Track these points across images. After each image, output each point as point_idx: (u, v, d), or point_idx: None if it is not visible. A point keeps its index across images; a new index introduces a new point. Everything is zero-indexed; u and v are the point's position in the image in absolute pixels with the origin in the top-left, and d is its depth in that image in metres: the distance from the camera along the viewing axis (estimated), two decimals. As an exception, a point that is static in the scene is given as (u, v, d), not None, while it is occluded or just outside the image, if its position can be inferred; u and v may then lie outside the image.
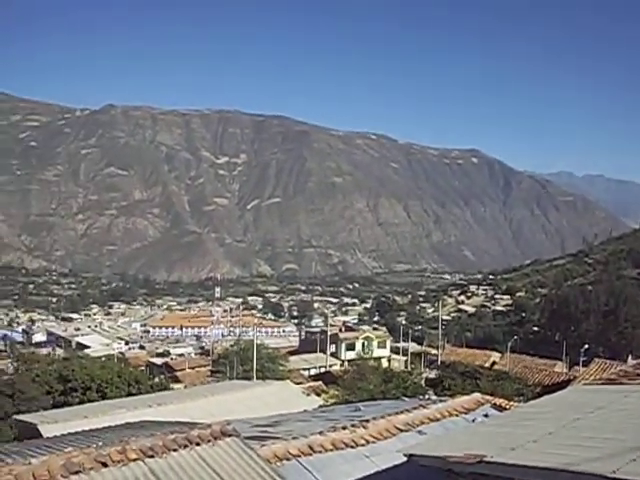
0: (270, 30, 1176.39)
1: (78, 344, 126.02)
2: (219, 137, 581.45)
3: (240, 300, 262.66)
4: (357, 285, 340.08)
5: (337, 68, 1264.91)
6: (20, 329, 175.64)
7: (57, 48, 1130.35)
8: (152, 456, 8.72)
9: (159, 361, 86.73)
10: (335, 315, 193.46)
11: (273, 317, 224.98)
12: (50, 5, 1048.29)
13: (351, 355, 73.71)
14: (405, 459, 7.43)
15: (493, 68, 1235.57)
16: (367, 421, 11.84)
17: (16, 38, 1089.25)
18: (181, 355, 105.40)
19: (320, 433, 11.08)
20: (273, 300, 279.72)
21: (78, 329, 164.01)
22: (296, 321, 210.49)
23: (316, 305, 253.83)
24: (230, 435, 9.59)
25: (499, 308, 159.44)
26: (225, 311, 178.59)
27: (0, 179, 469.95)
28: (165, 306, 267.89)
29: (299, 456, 10.34)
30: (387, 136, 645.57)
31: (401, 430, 11.71)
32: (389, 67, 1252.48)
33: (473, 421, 12.12)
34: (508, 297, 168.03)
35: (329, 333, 75.90)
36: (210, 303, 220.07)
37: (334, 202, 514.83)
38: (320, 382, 42.13)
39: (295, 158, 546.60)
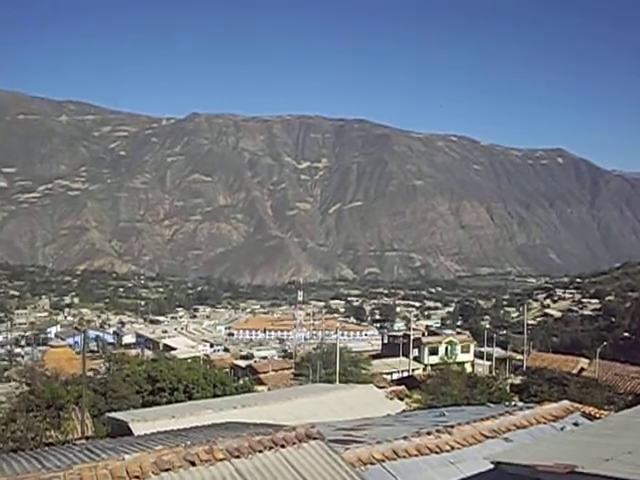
0: (349, 36, 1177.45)
1: (165, 346, 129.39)
2: (300, 142, 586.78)
3: (322, 304, 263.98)
4: (440, 289, 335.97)
5: (416, 71, 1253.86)
6: (111, 331, 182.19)
7: (143, 61, 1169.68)
8: (238, 456, 8.89)
9: (243, 363, 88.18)
10: (417, 319, 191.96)
11: (355, 321, 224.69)
12: (135, 22, 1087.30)
13: (434, 359, 72.60)
14: (491, 466, 7.30)
15: (577, 65, 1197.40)
16: (452, 427, 11.70)
17: (105, 54, 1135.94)
18: (264, 358, 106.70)
19: (404, 438, 11.02)
20: (355, 304, 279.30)
21: (165, 331, 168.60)
22: (378, 325, 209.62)
23: (398, 309, 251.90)
24: (315, 438, 9.65)
25: (587, 312, 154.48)
26: (308, 314, 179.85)
27: (92, 188, 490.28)
28: (249, 309, 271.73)
29: (383, 461, 10.31)
30: (469, 137, 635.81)
31: (487, 437, 11.52)
32: (469, 68, 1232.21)
33: (562, 429, 11.79)
34: (596, 301, 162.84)
35: (412, 337, 75.23)
36: (293, 306, 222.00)
37: (415, 205, 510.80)
38: (403, 386, 41.75)
39: (376, 162, 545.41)
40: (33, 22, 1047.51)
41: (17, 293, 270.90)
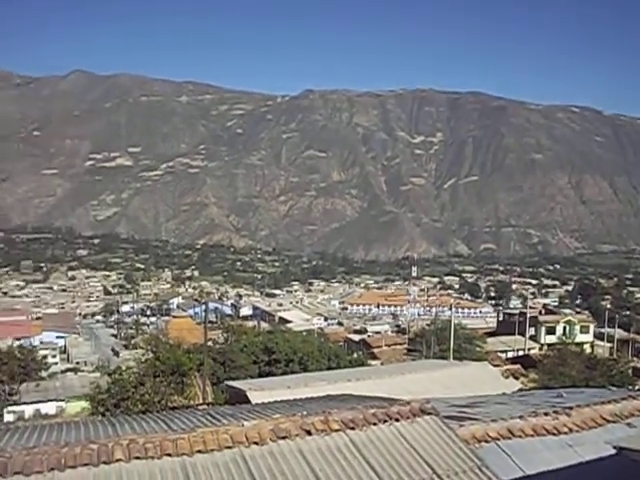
0: (461, 6, 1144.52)
1: (281, 318, 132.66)
2: (414, 116, 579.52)
3: (437, 280, 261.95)
4: (558, 266, 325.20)
5: (534, 40, 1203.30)
6: (229, 303, 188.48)
7: (258, 41, 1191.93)
8: (353, 428, 9.07)
9: (356, 337, 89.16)
10: (534, 297, 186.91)
11: (470, 297, 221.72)
12: (250, 3, 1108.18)
13: (551, 339, 70.70)
14: (613, 452, 7.08)
15: None
16: (570, 408, 11.40)
17: (221, 34, 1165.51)
18: (378, 332, 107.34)
19: (520, 417, 10.85)
20: (470, 280, 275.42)
21: (281, 304, 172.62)
22: (493, 302, 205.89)
23: (514, 286, 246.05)
24: (429, 413, 9.69)
25: None
26: (421, 290, 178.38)
27: (211, 165, 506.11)
28: (362, 284, 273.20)
29: (498, 439, 10.22)
30: (591, 108, 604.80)
31: (608, 421, 11.15)
32: (589, 34, 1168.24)
33: (691, 416, 11.22)
34: None
35: (528, 315, 73.40)
36: (406, 282, 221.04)
37: (534, 179, 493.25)
38: (518, 365, 40.92)
39: (492, 135, 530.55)
40: (155, 9, 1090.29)
41: (142, 266, 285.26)
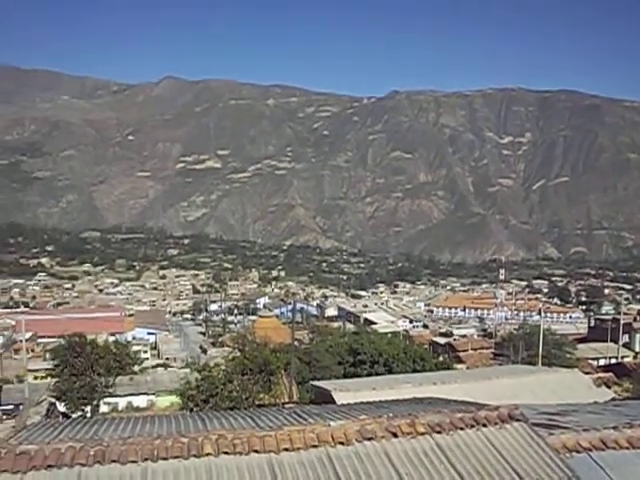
0: (551, 2, 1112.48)
1: (366, 320, 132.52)
2: (503, 116, 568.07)
3: (525, 283, 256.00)
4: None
5: (629, 34, 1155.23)
6: (315, 303, 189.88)
7: (344, 43, 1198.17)
8: (439, 432, 9.00)
9: (442, 341, 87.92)
10: (628, 303, 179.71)
11: (559, 302, 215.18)
12: (334, 7, 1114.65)
13: (646, 347, 67.91)
14: None
15: None
16: (669, 420, 10.91)
17: (308, 38, 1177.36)
18: (464, 336, 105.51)
19: (614, 428, 10.46)
20: (560, 284, 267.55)
21: (366, 306, 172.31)
22: (584, 307, 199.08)
23: (607, 291, 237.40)
24: (518, 419, 9.50)
25: None
26: (509, 294, 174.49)
27: (298, 167, 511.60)
28: (448, 287, 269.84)
29: (590, 450, 9.89)
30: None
31: None
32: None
33: None
34: None
35: (622, 322, 70.61)
36: (494, 285, 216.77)
37: (628, 180, 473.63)
38: (611, 374, 39.47)
39: (584, 134, 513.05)
40: (242, 16, 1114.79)
41: (230, 266, 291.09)
